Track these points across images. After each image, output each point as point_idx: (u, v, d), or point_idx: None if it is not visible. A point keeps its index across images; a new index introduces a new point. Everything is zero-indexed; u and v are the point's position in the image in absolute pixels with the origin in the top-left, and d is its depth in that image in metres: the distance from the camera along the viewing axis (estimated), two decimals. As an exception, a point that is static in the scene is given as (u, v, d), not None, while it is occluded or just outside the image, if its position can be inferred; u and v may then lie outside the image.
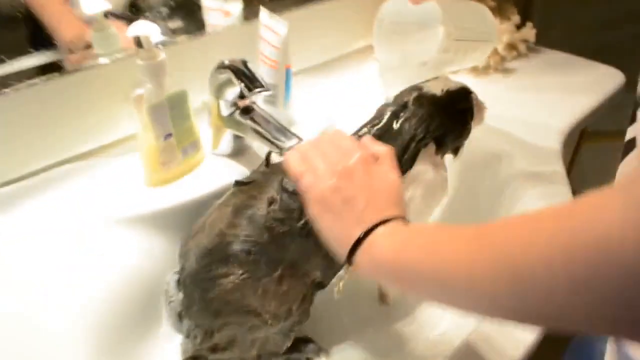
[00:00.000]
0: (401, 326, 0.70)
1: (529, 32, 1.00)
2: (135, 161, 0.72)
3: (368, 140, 0.58)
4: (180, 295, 0.65)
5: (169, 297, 0.66)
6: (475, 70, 0.97)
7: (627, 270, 0.29)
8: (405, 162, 0.62)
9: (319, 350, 0.64)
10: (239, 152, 0.75)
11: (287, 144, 0.66)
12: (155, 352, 0.64)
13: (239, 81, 0.63)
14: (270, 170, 0.63)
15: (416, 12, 0.75)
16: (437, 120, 0.64)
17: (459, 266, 0.40)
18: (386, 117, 0.64)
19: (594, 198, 0.33)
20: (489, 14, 0.80)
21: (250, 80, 0.63)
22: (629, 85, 0.96)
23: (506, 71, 0.99)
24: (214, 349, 0.62)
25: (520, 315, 0.37)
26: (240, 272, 0.57)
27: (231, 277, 0.57)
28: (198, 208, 0.69)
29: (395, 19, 0.81)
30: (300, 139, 0.66)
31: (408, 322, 0.70)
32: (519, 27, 1.00)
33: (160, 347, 0.65)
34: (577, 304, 0.32)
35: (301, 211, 0.56)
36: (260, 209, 0.58)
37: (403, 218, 0.50)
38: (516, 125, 0.83)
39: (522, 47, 1.01)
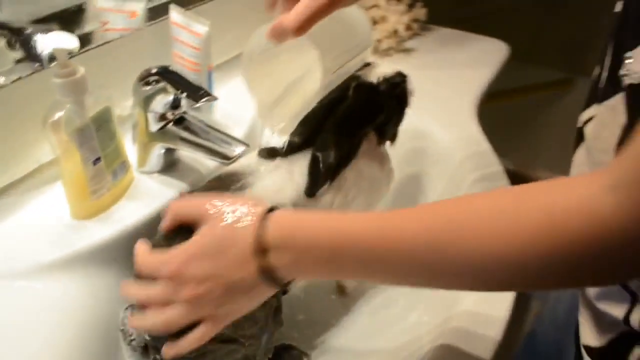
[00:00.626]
0: (365, 316, 0.70)
1: (420, 11, 1.03)
2: (56, 193, 0.63)
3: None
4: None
5: (128, 336, 0.60)
6: (377, 51, 0.99)
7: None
8: (348, 154, 0.61)
9: (301, 355, 0.62)
10: (169, 166, 0.69)
11: (235, 152, 0.62)
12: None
13: (180, 91, 0.58)
14: (220, 182, 0.59)
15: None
16: (378, 108, 0.63)
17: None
18: (324, 108, 0.62)
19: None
20: (361, 16, 0.74)
21: (192, 89, 0.58)
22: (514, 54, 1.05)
23: (406, 51, 1.02)
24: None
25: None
26: None
27: None
28: (138, 235, 0.63)
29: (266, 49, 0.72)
30: (246, 145, 0.63)
31: (368, 310, 0.71)
32: (410, 6, 1.03)
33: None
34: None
35: None
36: None
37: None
38: (430, 101, 0.86)
39: (415, 27, 1.04)
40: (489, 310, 0.58)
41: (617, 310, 0.50)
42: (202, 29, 0.67)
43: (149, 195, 0.66)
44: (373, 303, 0.71)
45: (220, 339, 0.55)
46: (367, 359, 0.64)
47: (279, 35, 0.48)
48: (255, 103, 0.60)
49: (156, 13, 0.74)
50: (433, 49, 1.03)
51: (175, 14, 0.69)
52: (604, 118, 0.49)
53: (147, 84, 0.61)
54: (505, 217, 0.38)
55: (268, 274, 0.45)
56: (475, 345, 0.55)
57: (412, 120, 0.72)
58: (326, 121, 0.60)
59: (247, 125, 0.77)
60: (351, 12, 0.64)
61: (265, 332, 0.58)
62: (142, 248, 0.52)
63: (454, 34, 1.10)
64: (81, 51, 0.65)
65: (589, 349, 0.54)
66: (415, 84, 0.69)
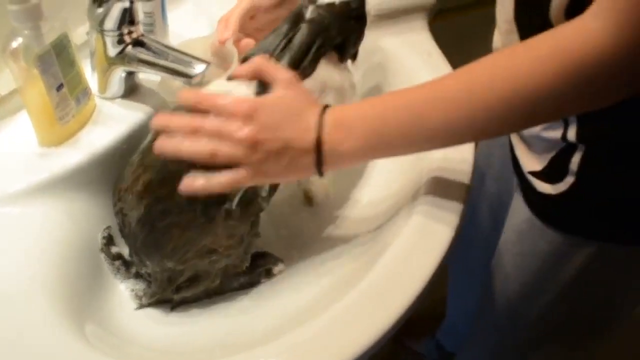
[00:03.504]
0: (328, 223, 0.74)
1: None
2: (21, 123, 0.64)
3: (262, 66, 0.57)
4: (124, 249, 0.62)
5: (110, 254, 0.63)
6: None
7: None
8: (305, 69, 0.62)
9: (276, 260, 0.66)
10: (130, 91, 0.70)
11: (196, 70, 0.63)
12: (109, 305, 0.62)
13: None
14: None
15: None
16: (336, 28, 0.64)
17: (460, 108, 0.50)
18: (284, 29, 0.64)
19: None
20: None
21: None
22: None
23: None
24: (178, 289, 0.61)
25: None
26: (185, 221, 0.57)
27: (178, 230, 0.57)
28: (108, 158, 0.65)
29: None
30: (206, 63, 0.64)
31: (335, 218, 0.75)
32: None
33: (111, 299, 0.63)
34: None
35: None
36: None
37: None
38: (383, 18, 0.88)
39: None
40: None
41: (553, 133, 0.60)
42: (151, -51, 0.67)
43: (113, 119, 0.67)
44: (338, 211, 0.76)
45: (202, 251, 0.59)
46: (338, 262, 0.69)
47: None
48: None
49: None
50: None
51: None
52: None
53: (100, 5, 0.61)
54: (526, 62, 0.47)
55: (319, 148, 0.52)
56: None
57: (369, 38, 0.75)
58: (283, 40, 0.62)
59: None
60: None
61: (243, 243, 0.62)
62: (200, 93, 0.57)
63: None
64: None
65: (534, 173, 0.64)
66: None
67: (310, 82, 0.62)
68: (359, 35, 0.70)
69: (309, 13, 0.64)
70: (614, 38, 0.44)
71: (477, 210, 0.91)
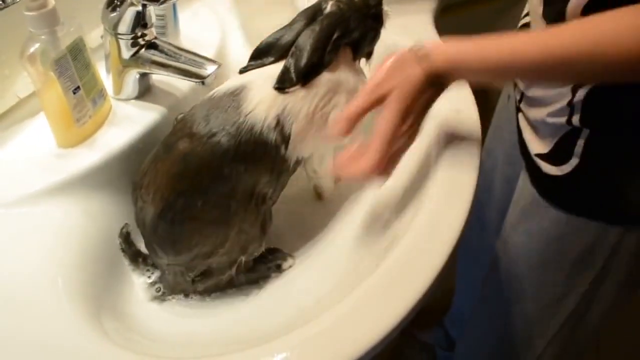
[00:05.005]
0: (339, 217, 0.76)
1: None
2: (39, 125, 0.66)
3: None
4: (142, 246, 0.64)
5: (129, 251, 0.65)
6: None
7: None
8: (320, 61, 0.63)
9: (286, 256, 0.68)
10: (144, 92, 0.72)
11: (208, 71, 0.65)
12: (128, 300, 0.64)
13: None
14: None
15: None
16: (355, 23, 0.66)
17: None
18: (301, 24, 0.64)
19: None
20: None
21: None
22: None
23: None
24: (193, 282, 0.63)
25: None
26: (204, 217, 0.59)
27: (195, 226, 0.59)
28: (125, 158, 0.67)
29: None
30: (218, 63, 0.66)
31: (345, 212, 0.76)
32: None
33: (129, 294, 0.65)
34: None
35: (233, 133, 0.58)
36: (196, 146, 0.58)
37: None
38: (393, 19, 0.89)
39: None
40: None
41: (558, 119, 0.64)
42: (162, -47, 0.69)
43: (129, 120, 0.69)
44: (348, 205, 0.77)
45: (212, 250, 0.61)
46: (348, 256, 0.70)
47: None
48: None
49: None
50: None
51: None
52: None
53: (114, 9, 0.63)
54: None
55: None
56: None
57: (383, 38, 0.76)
58: (303, 32, 0.64)
59: (215, 48, 0.80)
60: None
61: (254, 241, 0.64)
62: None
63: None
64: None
65: (540, 156, 0.68)
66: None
67: (326, 78, 0.64)
68: (375, 34, 0.71)
69: (329, 6, 0.65)
70: None
71: (488, 195, 0.94)
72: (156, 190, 0.58)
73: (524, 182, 0.75)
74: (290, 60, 0.62)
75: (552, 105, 0.65)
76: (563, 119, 0.64)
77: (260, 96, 0.60)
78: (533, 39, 0.55)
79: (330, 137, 0.63)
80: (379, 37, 0.71)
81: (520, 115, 0.74)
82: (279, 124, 0.60)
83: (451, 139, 0.69)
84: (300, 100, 0.62)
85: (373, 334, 0.51)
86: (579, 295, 0.75)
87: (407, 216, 0.66)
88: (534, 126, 0.70)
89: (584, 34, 0.51)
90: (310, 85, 0.62)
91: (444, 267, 0.57)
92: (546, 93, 0.66)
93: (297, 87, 0.62)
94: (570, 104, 0.62)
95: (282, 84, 0.61)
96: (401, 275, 0.56)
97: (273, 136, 0.60)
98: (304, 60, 0.61)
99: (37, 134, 0.66)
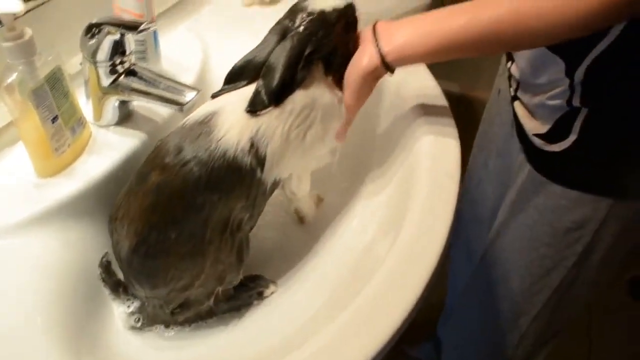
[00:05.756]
0: (322, 241, 0.75)
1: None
2: (18, 155, 0.66)
3: None
4: (120, 277, 0.64)
5: (109, 280, 0.64)
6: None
7: None
8: (292, 80, 0.62)
9: (268, 282, 0.68)
10: (125, 118, 0.71)
11: (186, 98, 0.65)
12: (108, 330, 0.63)
13: (119, 28, 0.60)
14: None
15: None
16: (327, 37, 0.64)
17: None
18: (273, 40, 0.64)
19: None
20: None
21: (129, 25, 0.60)
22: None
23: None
24: (172, 313, 0.63)
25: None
26: (177, 251, 0.58)
27: (169, 260, 0.59)
28: (104, 187, 0.66)
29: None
30: (197, 90, 0.66)
31: (328, 236, 0.76)
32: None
33: (109, 324, 0.64)
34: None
35: (205, 161, 0.57)
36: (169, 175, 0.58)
37: None
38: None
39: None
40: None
41: (559, 101, 0.67)
42: (141, -20, 0.69)
43: (108, 147, 0.68)
44: (331, 229, 0.77)
45: (189, 283, 0.61)
46: (331, 281, 0.70)
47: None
48: None
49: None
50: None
51: (113, -34, 0.70)
52: None
53: (92, 37, 0.63)
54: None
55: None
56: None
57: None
58: (274, 50, 0.63)
59: (196, 72, 0.79)
60: None
61: (231, 270, 0.64)
62: None
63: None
64: (25, 12, 0.66)
65: (539, 135, 0.71)
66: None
67: (300, 96, 0.63)
68: (351, 45, 0.70)
69: (298, 21, 0.64)
70: None
71: (481, 190, 0.95)
72: (130, 224, 0.57)
73: (520, 163, 0.77)
74: (261, 82, 0.61)
75: (551, 90, 0.67)
76: (563, 101, 0.66)
77: (232, 121, 0.60)
78: (461, 15, 0.59)
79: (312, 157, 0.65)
80: (354, 45, 0.70)
81: (516, 103, 0.76)
82: (253, 146, 0.60)
83: (431, 156, 0.69)
84: (274, 120, 0.61)
85: (360, 357, 0.50)
86: (566, 269, 0.78)
87: (389, 238, 0.66)
88: (532, 110, 0.72)
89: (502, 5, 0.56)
90: (284, 104, 0.62)
91: (427, 285, 0.57)
92: (543, 79, 0.68)
93: (270, 108, 0.61)
94: (570, 85, 0.65)
95: (254, 107, 0.60)
96: (385, 299, 0.56)
97: (247, 160, 0.59)
98: (275, 81, 0.61)
99: (16, 163, 0.66)
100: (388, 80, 0.82)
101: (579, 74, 0.63)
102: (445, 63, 0.88)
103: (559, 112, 0.68)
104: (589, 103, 0.65)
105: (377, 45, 0.63)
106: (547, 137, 0.70)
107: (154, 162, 0.59)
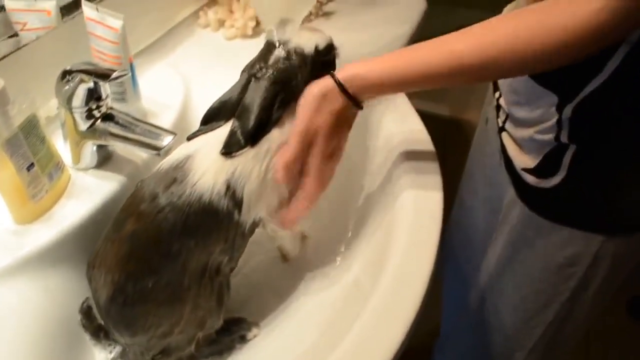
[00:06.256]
0: (307, 280, 0.74)
1: (336, -28, 1.05)
2: (-6, 201, 0.65)
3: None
4: (101, 322, 0.63)
5: (90, 326, 0.63)
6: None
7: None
8: (268, 120, 0.61)
9: (250, 325, 0.67)
10: (104, 161, 0.71)
11: (164, 142, 0.64)
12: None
13: (91, 76, 0.60)
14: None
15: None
16: (304, 75, 0.64)
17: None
18: (241, 83, 0.63)
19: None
20: None
21: (101, 73, 0.60)
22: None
23: (326, 15, 1.04)
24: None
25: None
26: (150, 304, 0.58)
27: (147, 308, 0.58)
28: (82, 232, 0.66)
29: None
30: (173, 133, 0.65)
31: (312, 274, 0.75)
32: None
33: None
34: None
35: (180, 207, 0.57)
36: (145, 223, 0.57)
37: None
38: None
39: (333, -12, 1.06)
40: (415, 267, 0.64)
41: (546, 136, 0.66)
42: (117, 23, 0.68)
43: (87, 191, 0.68)
44: (315, 269, 0.76)
45: (169, 330, 0.60)
46: (316, 320, 0.68)
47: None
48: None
49: (69, 10, 0.74)
50: (353, 10, 1.06)
51: (88, 9, 0.70)
52: None
53: (67, 82, 0.62)
54: (535, 28, 0.53)
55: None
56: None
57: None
58: (249, 90, 0.62)
59: (177, 110, 0.79)
60: None
61: (212, 314, 0.63)
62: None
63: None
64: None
65: (527, 170, 0.70)
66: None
67: (276, 135, 0.62)
68: None
69: (273, 59, 0.63)
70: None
71: (471, 218, 0.95)
72: (107, 272, 0.57)
73: (509, 197, 0.76)
74: (236, 123, 0.61)
75: (540, 124, 0.66)
76: (551, 136, 0.65)
77: (207, 164, 0.59)
78: (441, 46, 0.58)
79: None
80: None
81: (504, 134, 0.75)
82: (229, 189, 0.59)
83: (414, 187, 0.68)
84: (250, 160, 0.61)
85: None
86: (560, 304, 0.77)
87: (374, 272, 0.65)
88: (520, 144, 0.71)
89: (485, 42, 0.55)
90: (260, 144, 0.61)
91: (415, 318, 0.57)
92: (533, 114, 0.67)
93: (247, 148, 0.60)
94: (558, 121, 0.64)
95: (230, 149, 0.60)
96: (372, 338, 0.55)
97: (224, 203, 0.59)
98: (251, 122, 0.60)
99: (-6, 209, 0.65)
100: (373, 121, 0.83)
101: (567, 111, 0.62)
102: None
103: (548, 146, 0.67)
104: (576, 140, 0.64)
105: (332, 74, 0.62)
106: (536, 172, 0.69)
107: (130, 209, 0.58)
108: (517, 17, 0.55)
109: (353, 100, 0.62)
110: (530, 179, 0.70)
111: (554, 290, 0.76)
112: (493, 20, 0.56)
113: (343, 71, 0.61)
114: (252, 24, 0.95)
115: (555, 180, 0.67)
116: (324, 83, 0.61)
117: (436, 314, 1.21)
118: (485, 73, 0.58)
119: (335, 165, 0.66)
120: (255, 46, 0.68)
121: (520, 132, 0.70)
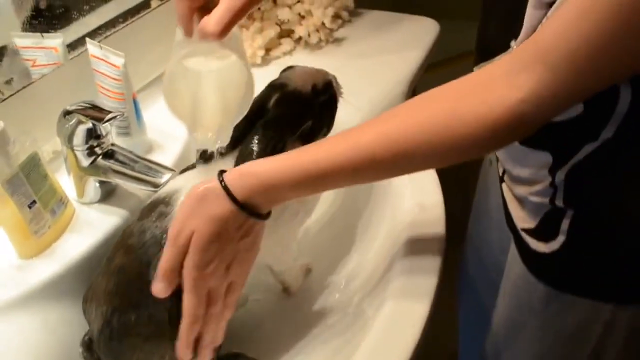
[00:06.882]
0: (309, 314, 0.74)
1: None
2: (0, 236, 0.67)
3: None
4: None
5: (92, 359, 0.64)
6: (308, 45, 1.01)
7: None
8: None
9: (249, 362, 0.67)
10: (107, 195, 0.72)
11: (162, 179, 0.65)
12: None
13: (88, 118, 0.61)
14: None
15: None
16: (304, 117, 0.64)
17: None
18: (246, 120, 0.62)
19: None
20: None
21: (98, 111, 0.62)
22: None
23: (337, 41, 1.03)
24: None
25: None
26: (135, 338, 0.58)
27: (134, 342, 0.58)
28: (85, 267, 0.67)
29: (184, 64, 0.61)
30: (172, 170, 0.66)
31: (313, 307, 0.75)
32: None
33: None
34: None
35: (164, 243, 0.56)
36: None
37: None
38: (362, 92, 0.88)
39: (345, 15, 1.06)
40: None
41: (541, 199, 0.62)
42: (118, 60, 0.70)
43: (91, 225, 0.69)
44: (318, 300, 0.75)
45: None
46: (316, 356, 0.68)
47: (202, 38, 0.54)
48: (179, 119, 0.61)
49: (74, 47, 0.76)
50: (364, 36, 1.05)
51: (92, 46, 0.71)
52: None
53: (68, 121, 0.64)
54: (438, 122, 0.51)
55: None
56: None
57: (343, 116, 0.75)
58: (248, 133, 0.62)
59: (182, 143, 0.80)
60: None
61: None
62: None
63: (384, 17, 1.11)
64: (4, 98, 0.68)
65: (526, 230, 0.66)
66: (347, 75, 0.72)
67: None
68: (330, 122, 0.70)
69: (273, 102, 0.63)
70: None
71: (486, 252, 0.90)
72: (97, 306, 0.58)
73: (512, 255, 0.72)
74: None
75: (534, 185, 0.63)
76: (546, 199, 0.61)
77: None
78: (347, 139, 0.54)
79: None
80: (332, 122, 0.70)
81: (504, 185, 0.72)
82: None
83: (413, 237, 0.67)
84: None
85: None
86: None
87: (375, 304, 0.65)
88: (519, 200, 0.67)
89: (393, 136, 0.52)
90: None
91: (416, 347, 0.57)
92: (526, 173, 0.64)
93: None
94: (552, 184, 0.60)
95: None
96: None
97: None
98: None
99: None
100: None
101: (560, 174, 0.59)
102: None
103: (544, 209, 0.63)
104: (573, 205, 0.60)
105: (220, 172, 0.55)
106: (535, 233, 0.65)
107: (120, 243, 0.60)
108: (431, 104, 0.52)
109: (239, 205, 0.52)
110: (530, 241, 0.66)
111: (571, 357, 0.70)
112: (402, 109, 0.54)
113: (236, 169, 0.55)
114: (261, 52, 0.96)
115: (556, 245, 0.62)
116: (209, 182, 0.54)
117: (455, 337, 1.18)
118: (396, 168, 0.55)
119: (233, 301, 0.57)
120: (263, 75, 0.69)
121: (518, 190, 0.66)
